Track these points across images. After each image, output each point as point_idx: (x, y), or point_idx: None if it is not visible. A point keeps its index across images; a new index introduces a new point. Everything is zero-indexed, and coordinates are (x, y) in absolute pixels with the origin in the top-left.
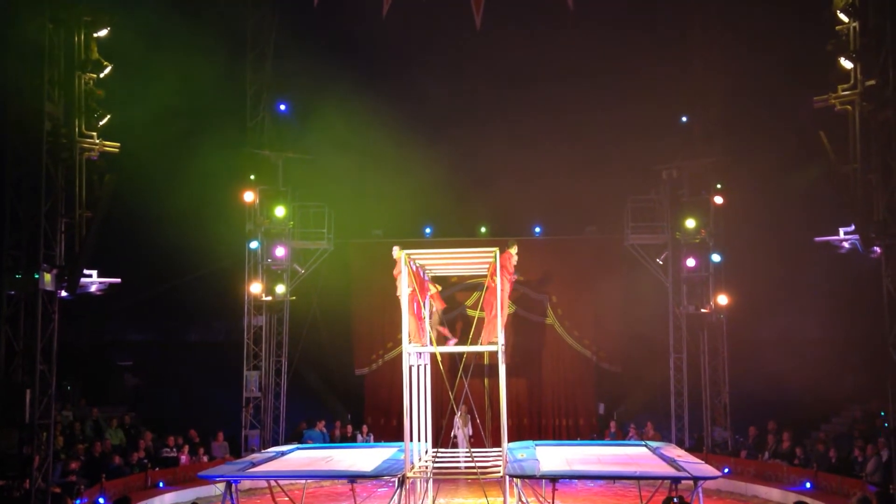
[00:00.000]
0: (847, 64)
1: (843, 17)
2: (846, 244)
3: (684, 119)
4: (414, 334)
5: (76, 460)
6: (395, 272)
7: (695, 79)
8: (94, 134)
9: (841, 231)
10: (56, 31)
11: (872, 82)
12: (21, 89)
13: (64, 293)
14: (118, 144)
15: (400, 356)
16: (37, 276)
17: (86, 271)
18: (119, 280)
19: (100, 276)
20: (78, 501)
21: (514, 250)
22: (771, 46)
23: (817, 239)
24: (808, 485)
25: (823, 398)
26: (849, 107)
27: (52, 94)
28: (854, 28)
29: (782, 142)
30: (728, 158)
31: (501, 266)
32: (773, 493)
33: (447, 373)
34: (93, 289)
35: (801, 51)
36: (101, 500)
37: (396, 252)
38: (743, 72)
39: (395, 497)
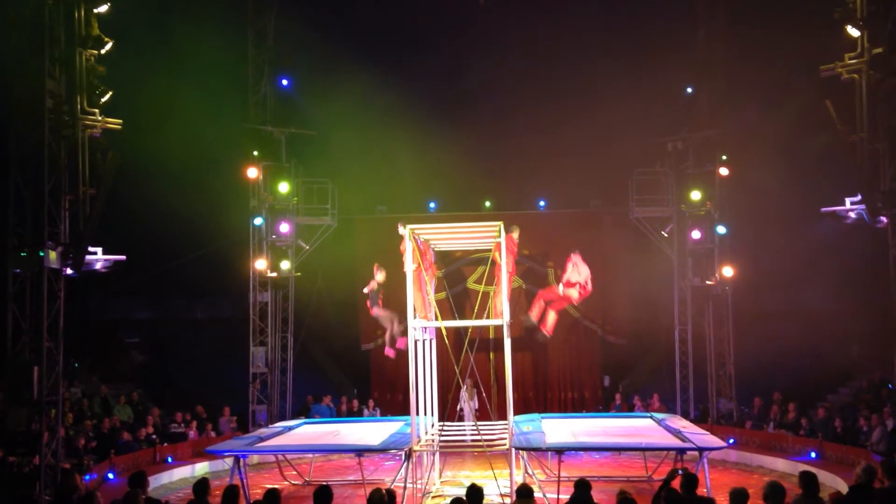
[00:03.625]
0: (854, 32)
1: None
2: (852, 214)
3: (689, 90)
4: (419, 309)
5: (83, 436)
6: (401, 247)
7: (700, 50)
8: (97, 111)
9: (847, 201)
10: (56, 7)
11: (879, 50)
12: (22, 67)
13: (69, 270)
14: (120, 121)
15: (405, 330)
16: (42, 254)
17: (90, 248)
18: (124, 257)
19: (105, 253)
20: (87, 477)
21: (516, 235)
22: (776, 16)
23: (823, 209)
24: (813, 455)
25: (829, 368)
26: (856, 75)
27: (53, 72)
28: None
29: (788, 112)
30: (733, 130)
31: (506, 248)
32: (779, 463)
33: (453, 347)
34: (98, 266)
35: (808, 19)
36: (110, 476)
37: (402, 229)
38: (748, 42)
39: (402, 470)
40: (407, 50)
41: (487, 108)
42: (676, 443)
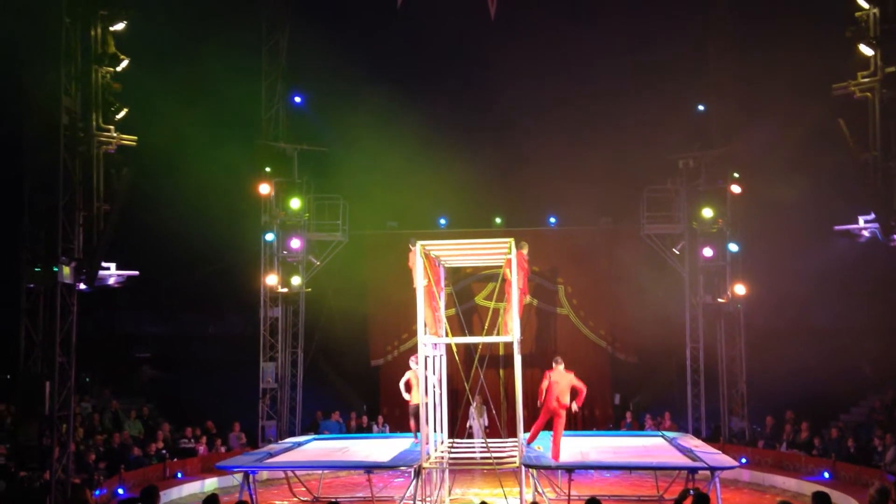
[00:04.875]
0: (867, 50)
1: (863, 4)
2: (866, 233)
3: (700, 108)
4: (429, 325)
5: (94, 451)
6: (409, 263)
7: (711, 67)
8: (111, 127)
9: (860, 220)
10: (73, 25)
11: (892, 69)
12: (38, 83)
13: (82, 286)
14: (135, 138)
15: (415, 347)
16: (55, 269)
17: (104, 264)
18: (137, 273)
19: (118, 268)
20: (97, 492)
21: (525, 251)
22: (788, 34)
23: (837, 228)
24: (826, 475)
25: (842, 388)
26: (868, 94)
27: (69, 88)
28: (874, 14)
29: (801, 129)
30: (745, 147)
31: (517, 264)
32: (791, 482)
33: (462, 363)
34: (111, 281)
35: (820, 38)
36: (120, 491)
37: (413, 245)
38: (760, 60)
39: (412, 487)
40: (419, 68)
41: (498, 125)
42: (688, 462)
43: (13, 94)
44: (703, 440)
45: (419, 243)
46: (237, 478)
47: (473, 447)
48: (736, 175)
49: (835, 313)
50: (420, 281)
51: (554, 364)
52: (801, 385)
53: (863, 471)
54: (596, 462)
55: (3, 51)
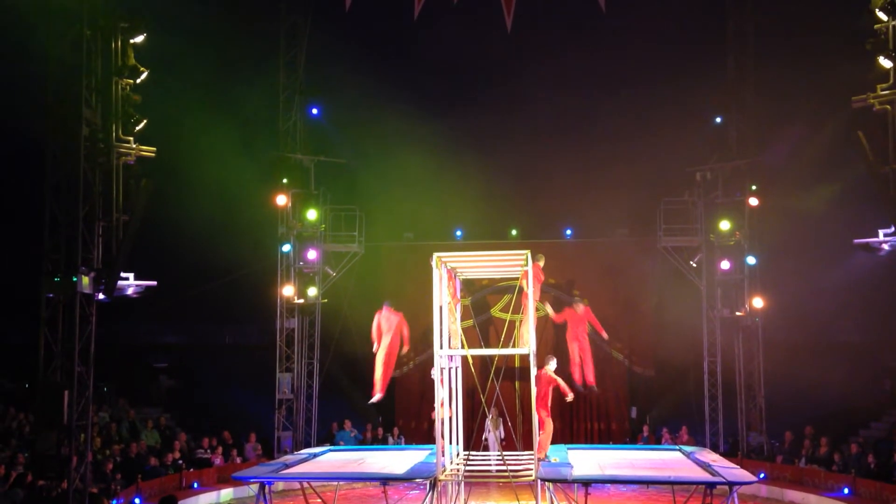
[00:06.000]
0: (886, 63)
1: (882, 16)
2: (886, 246)
3: (718, 120)
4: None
5: (111, 461)
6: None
7: (729, 80)
8: (131, 139)
9: (880, 233)
10: (93, 37)
11: None
12: (59, 95)
13: (101, 296)
14: (154, 149)
15: (431, 359)
16: (75, 280)
17: (122, 274)
18: (155, 283)
19: (136, 278)
20: (114, 502)
21: (542, 263)
22: (807, 46)
23: (856, 241)
24: (846, 491)
25: (862, 403)
26: (888, 106)
27: (89, 100)
28: (893, 27)
29: (819, 142)
30: (763, 160)
31: (533, 276)
32: (810, 498)
33: (478, 375)
34: (129, 291)
35: (839, 50)
36: (136, 501)
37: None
38: (778, 72)
39: (427, 500)
40: (435, 79)
41: (514, 137)
42: (706, 476)
43: (34, 105)
44: (721, 455)
45: (436, 255)
46: (253, 488)
47: (489, 460)
48: (754, 187)
49: (855, 327)
50: (436, 292)
51: (546, 360)
52: (821, 400)
53: (884, 487)
54: (613, 476)
55: (24, 62)
